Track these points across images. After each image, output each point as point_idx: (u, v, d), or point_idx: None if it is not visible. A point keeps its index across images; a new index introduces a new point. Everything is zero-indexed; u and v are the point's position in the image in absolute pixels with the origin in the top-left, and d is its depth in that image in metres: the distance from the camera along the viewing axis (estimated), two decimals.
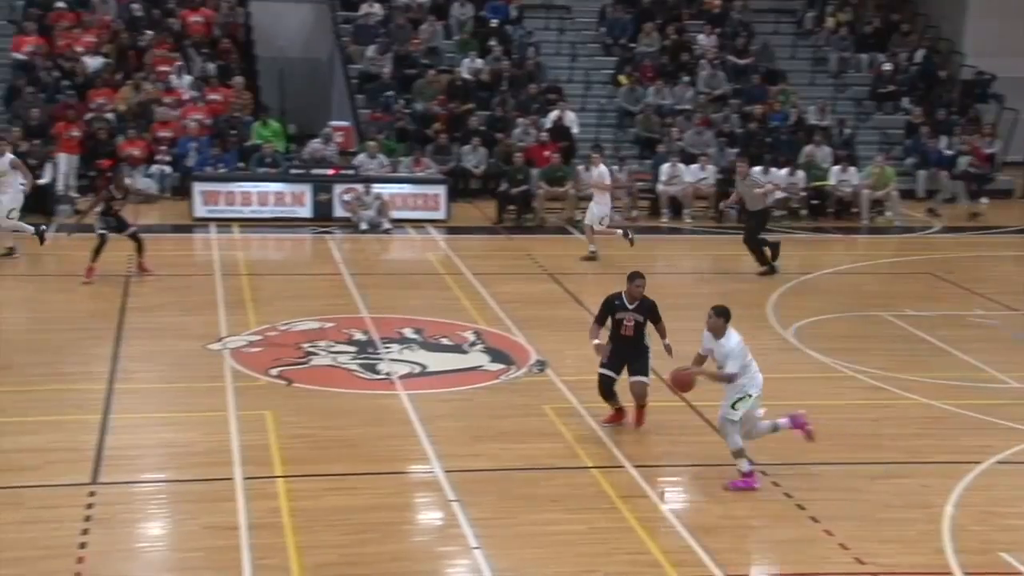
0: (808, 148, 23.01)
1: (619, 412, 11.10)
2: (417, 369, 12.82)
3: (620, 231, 18.28)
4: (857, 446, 10.93)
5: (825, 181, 22.27)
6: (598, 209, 18.16)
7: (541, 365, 12.92)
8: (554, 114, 23.58)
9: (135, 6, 24.48)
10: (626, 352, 10.89)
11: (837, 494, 9.84)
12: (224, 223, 19.88)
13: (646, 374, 10.93)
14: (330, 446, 10.55)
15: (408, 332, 14.03)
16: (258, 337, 13.69)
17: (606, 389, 11.02)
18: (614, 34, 26.57)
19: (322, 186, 20.57)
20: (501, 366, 13.00)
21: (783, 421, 10.13)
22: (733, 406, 9.70)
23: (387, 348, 13.39)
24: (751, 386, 9.71)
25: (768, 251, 17.58)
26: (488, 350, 13.56)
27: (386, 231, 19.97)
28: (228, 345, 13.33)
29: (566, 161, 22.24)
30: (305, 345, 13.40)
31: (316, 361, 12.94)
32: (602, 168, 18.53)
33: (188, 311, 14.78)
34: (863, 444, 11.01)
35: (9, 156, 17.10)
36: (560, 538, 8.91)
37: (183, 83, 22.92)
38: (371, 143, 21.70)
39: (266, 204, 20.45)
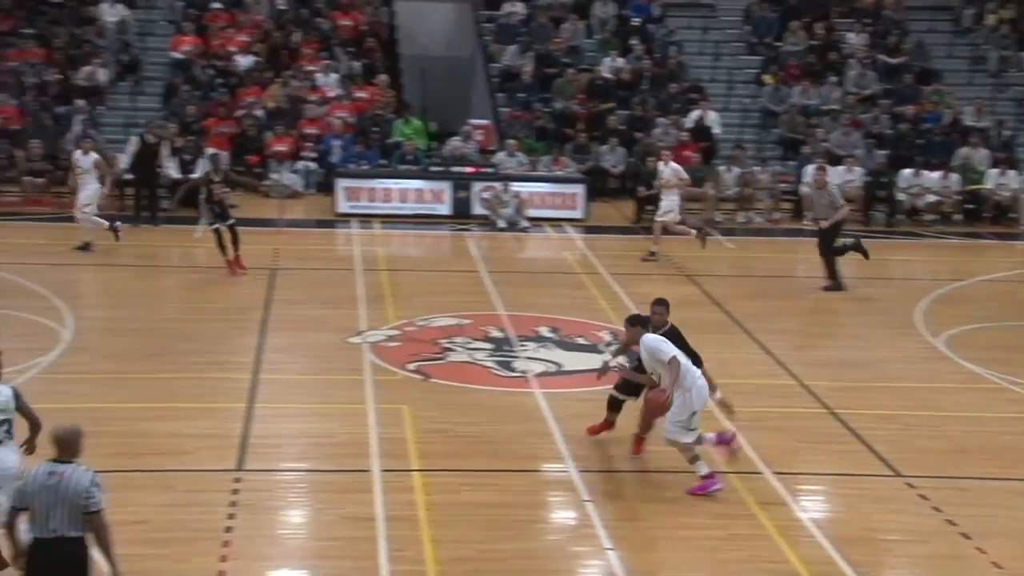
0: (964, 150, 22.25)
1: (608, 424, 10.52)
2: (553, 368, 12.86)
3: (694, 232, 18.14)
4: (1011, 461, 10.51)
5: (981, 184, 21.49)
6: (668, 206, 18.08)
7: None
8: (695, 114, 23.34)
9: (285, 7, 25.16)
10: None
11: (989, 510, 9.49)
12: (365, 219, 20.29)
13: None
14: (465, 442, 10.66)
15: (544, 331, 14.07)
16: (397, 332, 13.93)
17: (614, 404, 10.52)
18: (759, 33, 26.13)
19: (461, 184, 20.81)
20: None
21: (709, 436, 9.76)
22: (688, 428, 9.46)
23: (523, 346, 13.46)
24: (696, 401, 9.49)
25: (836, 268, 16.59)
26: None
27: (524, 229, 20.07)
28: (367, 339, 13.60)
29: (706, 162, 21.97)
30: (442, 341, 13.57)
31: (453, 357, 13.10)
32: (673, 165, 18.42)
33: (329, 305, 15.12)
34: (1018, 459, 10.58)
35: (94, 156, 17.58)
36: (697, 543, 8.82)
37: (329, 81, 23.48)
38: (511, 141, 21.84)
39: (406, 201, 20.79)
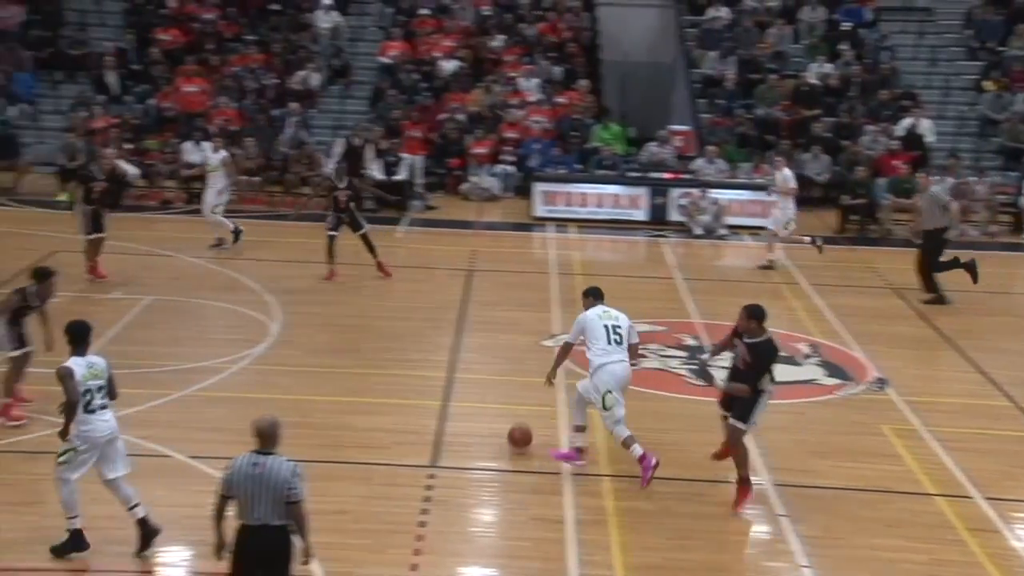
0: None
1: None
2: None
3: (808, 239, 17.57)
4: None
5: None
6: (782, 215, 17.51)
7: (881, 383, 12.34)
8: (907, 121, 22.46)
9: (490, 12, 25.60)
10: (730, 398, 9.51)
11: None
12: (561, 223, 20.41)
13: (744, 419, 9.36)
14: (657, 449, 10.55)
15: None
16: None
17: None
18: (981, 37, 24.91)
19: (659, 190, 20.67)
20: (837, 381, 12.52)
21: (636, 449, 9.68)
22: (603, 404, 9.72)
23: (718, 355, 13.22)
24: (609, 381, 9.69)
25: (939, 283, 15.68)
26: (823, 363, 13.11)
27: (721, 237, 19.76)
28: (561, 342, 13.63)
29: (916, 171, 21.11)
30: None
31: (646, 364, 12.99)
32: (786, 172, 17.80)
33: (524, 307, 15.27)
34: None
35: (223, 153, 17.87)
36: (898, 566, 8.47)
37: (530, 86, 23.75)
38: (711, 148, 21.56)
39: (603, 206, 20.81)
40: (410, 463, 10.15)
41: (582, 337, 10.03)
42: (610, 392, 9.73)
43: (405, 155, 21.21)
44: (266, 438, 7.08)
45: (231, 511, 7.07)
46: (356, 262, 17.74)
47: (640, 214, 20.66)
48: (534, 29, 25.19)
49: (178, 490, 9.35)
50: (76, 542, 8.40)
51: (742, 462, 9.38)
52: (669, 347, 13.56)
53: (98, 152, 15.44)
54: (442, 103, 23.30)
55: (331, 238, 15.94)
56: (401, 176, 20.87)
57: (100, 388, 8.44)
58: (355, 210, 16.18)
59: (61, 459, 8.44)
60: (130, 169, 18.41)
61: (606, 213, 20.75)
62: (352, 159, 20.08)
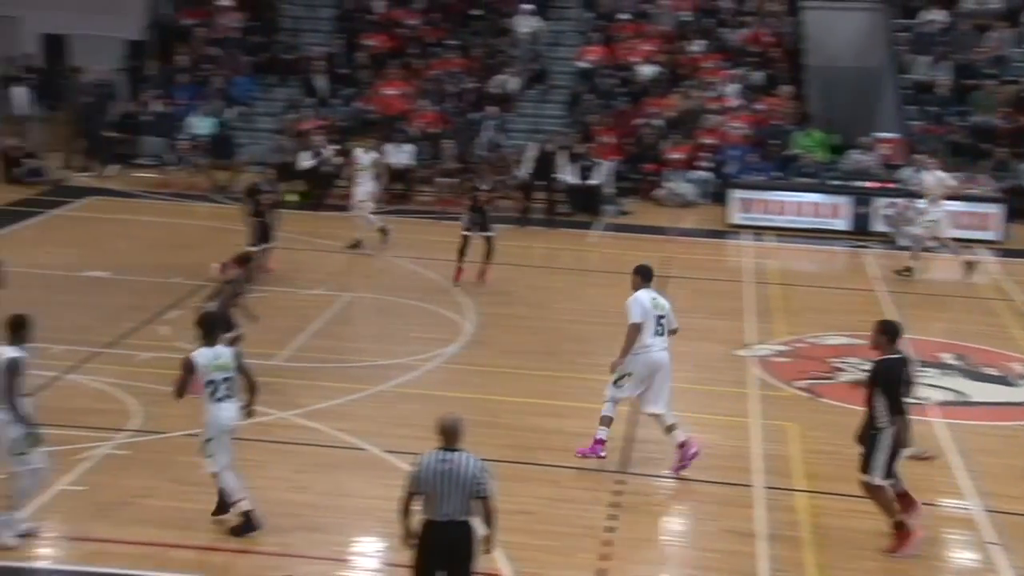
0: None
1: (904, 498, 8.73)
2: (956, 397, 12.00)
3: (966, 254, 16.89)
4: None
5: None
6: (930, 218, 16.79)
7: None
8: None
9: (690, 18, 25.32)
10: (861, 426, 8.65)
11: None
12: (758, 231, 19.96)
13: (865, 469, 8.54)
14: (855, 465, 10.16)
15: (948, 358, 13.18)
16: (786, 347, 13.57)
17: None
18: None
19: (862, 199, 19.96)
20: None
21: (603, 432, 9.97)
22: (616, 382, 10.00)
23: (923, 372, 12.66)
24: (639, 368, 9.93)
25: None
26: None
27: (929, 249, 18.90)
28: (755, 352, 13.34)
29: None
30: (834, 360, 13.07)
31: (844, 377, 12.57)
32: (939, 174, 16.83)
33: (717, 315, 15.00)
34: None
35: (373, 154, 17.93)
36: None
37: (730, 92, 23.35)
38: (921, 156, 20.65)
39: (802, 214, 20.25)
40: (599, 468, 10.08)
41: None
42: (629, 375, 9.99)
43: (600, 160, 21.15)
44: (450, 435, 7.15)
45: (416, 506, 7.16)
46: (550, 266, 17.84)
47: (841, 224, 20.00)
48: (735, 34, 24.75)
49: (371, 482, 9.58)
50: (249, 523, 8.71)
51: (885, 509, 8.56)
52: (869, 361, 13.04)
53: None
54: (639, 108, 23.17)
55: (465, 239, 15.86)
56: (596, 181, 20.84)
57: (226, 379, 8.65)
58: (489, 213, 16.09)
59: (206, 455, 8.78)
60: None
61: (805, 222, 20.17)
62: (544, 164, 20.18)
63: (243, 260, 11.74)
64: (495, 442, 10.63)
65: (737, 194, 20.57)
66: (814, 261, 19.15)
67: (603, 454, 10.04)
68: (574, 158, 21.00)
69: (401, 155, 20.84)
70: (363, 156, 17.90)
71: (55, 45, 25.55)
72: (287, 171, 20.41)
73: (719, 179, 21.84)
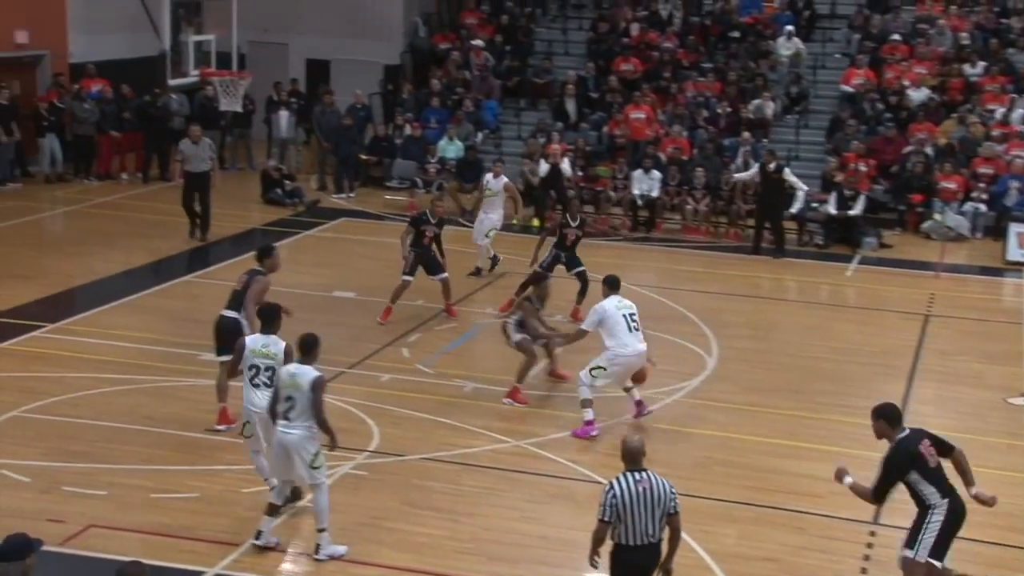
0: None
1: None
2: None
3: None
4: None
5: None
6: None
7: None
8: None
9: (968, 41, 24.12)
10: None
11: None
12: None
13: (910, 544, 7.74)
14: None
15: None
16: None
17: None
18: None
19: None
20: None
21: (589, 412, 11.29)
22: (591, 371, 11.28)
23: None
24: (618, 369, 11.27)
25: None
26: None
27: None
28: None
29: None
30: None
31: None
32: None
33: (989, 359, 14.16)
34: None
35: (504, 179, 17.34)
36: None
37: (1015, 117, 22.04)
38: None
39: None
40: (849, 516, 9.66)
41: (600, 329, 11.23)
42: (604, 369, 11.24)
43: (859, 189, 20.37)
44: (637, 457, 7.25)
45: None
46: (802, 299, 17.38)
47: None
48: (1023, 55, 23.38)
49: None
50: (274, 508, 8.99)
51: None
52: None
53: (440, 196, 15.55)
54: (907, 134, 22.22)
55: (542, 272, 14.87)
56: (856, 211, 20.09)
57: (268, 368, 9.15)
58: (575, 250, 15.30)
59: (245, 434, 9.47)
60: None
61: None
62: (770, 190, 19.43)
63: (537, 279, 12.66)
64: (736, 483, 10.38)
65: (1017, 228, 19.36)
66: None
67: (595, 432, 11.30)
68: (832, 186, 20.36)
69: (649, 182, 20.79)
70: (492, 181, 17.18)
71: (318, 70, 27.05)
72: (530, 196, 20.77)
73: (995, 212, 20.63)
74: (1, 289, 15.13)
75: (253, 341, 9.36)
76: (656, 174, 20.88)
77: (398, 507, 9.75)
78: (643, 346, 11.37)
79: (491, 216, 17.00)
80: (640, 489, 7.10)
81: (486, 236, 16.93)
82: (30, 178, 22.12)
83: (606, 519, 7.15)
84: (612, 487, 7.18)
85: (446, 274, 15.02)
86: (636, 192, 20.76)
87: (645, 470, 7.22)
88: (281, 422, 8.77)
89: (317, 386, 8.68)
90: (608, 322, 11.24)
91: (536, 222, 20.55)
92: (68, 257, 17.26)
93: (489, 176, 17.42)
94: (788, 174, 19.43)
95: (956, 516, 7.70)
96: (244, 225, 19.78)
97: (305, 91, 25.71)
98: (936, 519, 7.68)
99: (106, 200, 21.14)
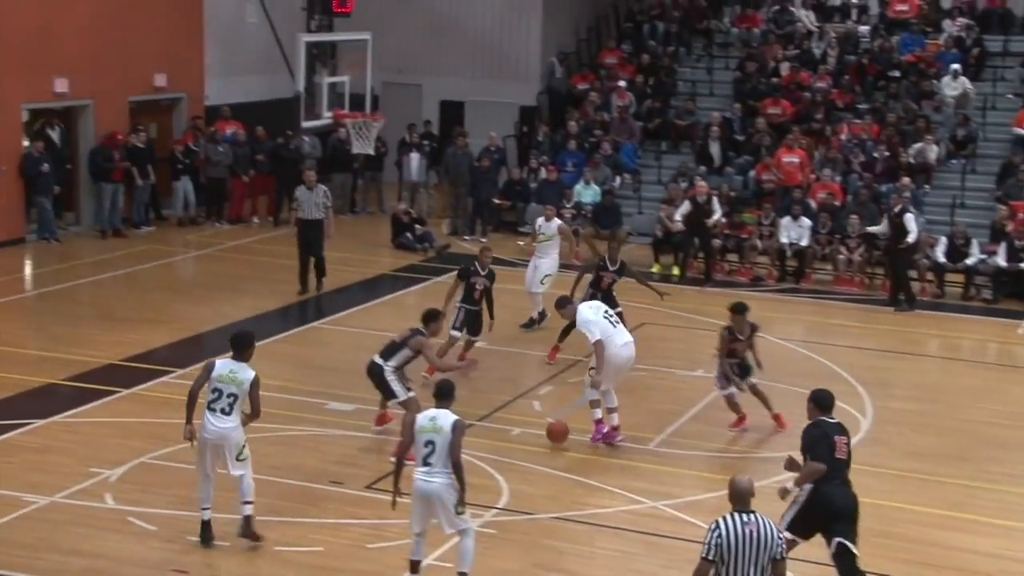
0: None
1: None
2: None
3: None
4: None
5: None
6: None
7: None
8: None
9: None
10: None
11: None
12: None
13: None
14: None
15: None
16: None
17: None
18: None
19: None
20: None
21: (597, 412, 12.35)
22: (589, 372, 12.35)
23: None
24: (618, 364, 12.28)
25: None
26: None
27: None
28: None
29: None
30: None
31: None
32: None
33: None
34: None
35: (557, 222, 17.06)
36: None
37: None
38: None
39: None
40: None
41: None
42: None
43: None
44: (745, 498, 7.35)
45: None
46: (968, 358, 16.98)
47: None
48: None
49: None
50: (203, 530, 9.80)
51: None
52: None
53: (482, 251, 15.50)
54: None
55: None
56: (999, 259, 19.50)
57: (231, 395, 9.54)
58: (612, 293, 15.08)
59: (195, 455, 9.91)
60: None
61: None
62: (894, 233, 18.90)
63: (736, 309, 13.01)
64: (892, 555, 10.15)
65: None
66: None
67: (620, 438, 12.39)
68: (1000, 236, 19.82)
69: (798, 230, 20.56)
70: (545, 225, 16.99)
71: (452, 111, 27.62)
72: (668, 242, 20.73)
73: None
74: (133, 333, 15.77)
75: (222, 365, 9.73)
76: (806, 221, 20.64)
77: (528, 569, 9.80)
78: (630, 337, 12.48)
79: (545, 261, 16.81)
80: (747, 531, 7.17)
81: (541, 283, 16.74)
82: (163, 221, 23.09)
83: (709, 557, 7.24)
84: (718, 526, 7.28)
85: (479, 338, 14.91)
86: (784, 240, 20.57)
87: (753, 512, 7.30)
88: (421, 469, 8.95)
89: (458, 429, 8.94)
90: (596, 325, 12.19)
91: (676, 271, 20.50)
92: (198, 301, 17.90)
93: (541, 220, 17.25)
94: (908, 219, 18.83)
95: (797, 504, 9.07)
96: (374, 270, 20.24)
97: (438, 133, 26.26)
98: (796, 504, 9.08)
99: (237, 244, 21.90)
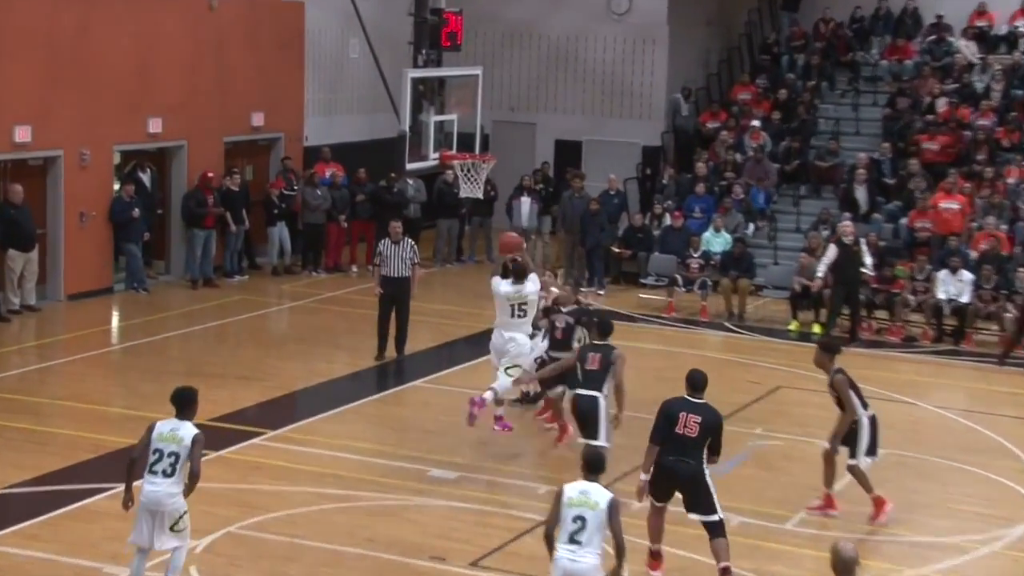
0: None
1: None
2: None
3: None
4: None
5: None
6: None
7: None
8: None
9: None
10: None
11: None
12: None
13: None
14: None
15: None
16: None
17: None
18: None
19: None
20: None
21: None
22: (507, 371, 13.75)
23: None
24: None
25: None
26: None
27: None
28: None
29: None
30: None
31: None
32: None
33: None
34: None
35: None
36: None
37: None
38: None
39: None
40: None
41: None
42: (519, 368, 13.83)
43: None
44: (851, 568, 7.46)
45: None
46: None
47: None
48: None
49: None
50: None
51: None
52: None
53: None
54: None
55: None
56: None
57: (172, 454, 9.51)
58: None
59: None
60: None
61: None
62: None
63: (827, 347, 12.52)
64: None
65: None
66: None
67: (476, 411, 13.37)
68: None
69: (958, 284, 19.99)
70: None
71: (568, 152, 27.61)
72: (808, 296, 20.35)
73: None
74: (222, 391, 15.92)
75: (163, 425, 9.71)
76: (967, 275, 20.07)
77: None
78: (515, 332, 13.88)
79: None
80: None
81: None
82: (256, 269, 23.43)
83: None
84: None
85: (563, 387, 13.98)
86: (942, 296, 20.02)
87: None
88: (568, 547, 8.76)
89: (615, 507, 8.79)
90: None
91: (818, 328, 20.10)
92: (291, 357, 18.04)
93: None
94: None
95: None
96: (481, 324, 20.14)
97: (553, 175, 26.24)
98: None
99: (333, 295, 22.10)
